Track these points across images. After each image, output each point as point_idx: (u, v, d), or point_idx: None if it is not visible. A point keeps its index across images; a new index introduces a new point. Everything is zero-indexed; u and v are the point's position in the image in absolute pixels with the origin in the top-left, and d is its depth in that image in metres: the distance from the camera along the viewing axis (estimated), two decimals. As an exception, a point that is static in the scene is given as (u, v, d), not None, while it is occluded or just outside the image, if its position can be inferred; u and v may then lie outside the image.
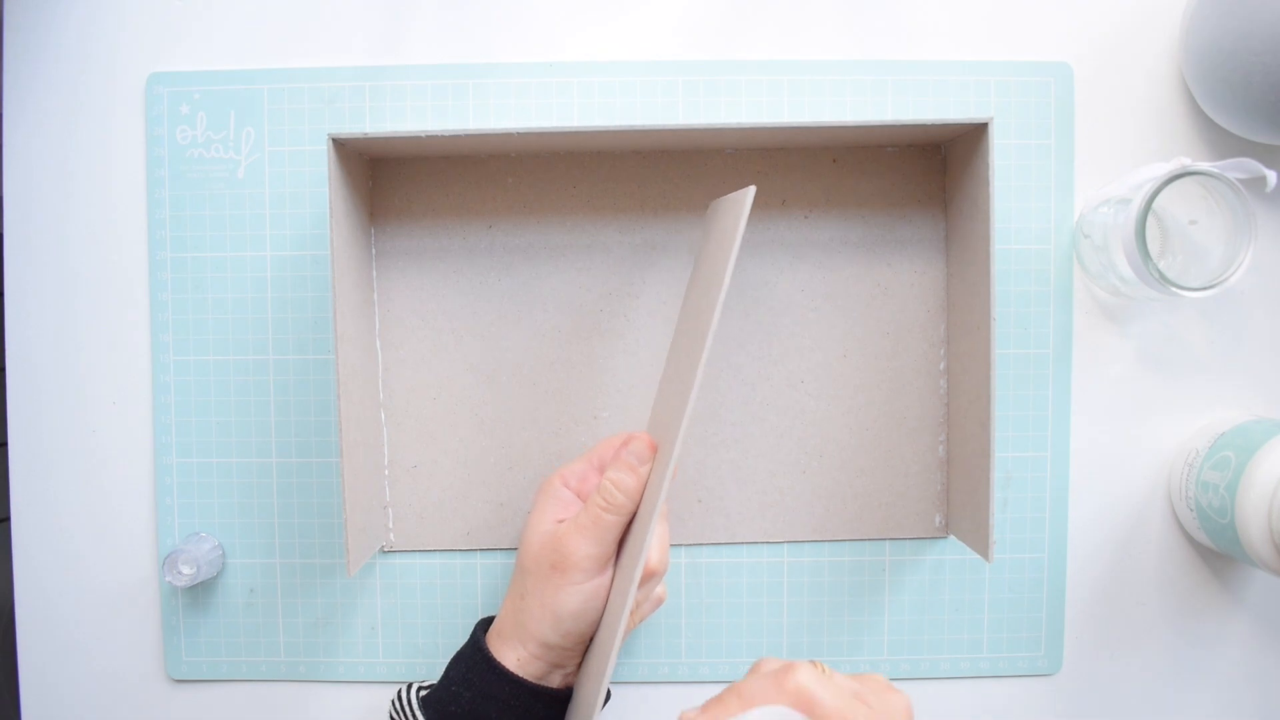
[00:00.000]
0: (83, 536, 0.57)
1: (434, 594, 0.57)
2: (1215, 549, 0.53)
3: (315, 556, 0.56)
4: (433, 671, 0.56)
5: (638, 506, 0.45)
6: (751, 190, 0.43)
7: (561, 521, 0.46)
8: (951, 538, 0.56)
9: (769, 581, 0.56)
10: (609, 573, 0.45)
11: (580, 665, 0.48)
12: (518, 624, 0.46)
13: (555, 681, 0.46)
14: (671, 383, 0.49)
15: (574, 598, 0.44)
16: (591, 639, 0.46)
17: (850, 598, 0.56)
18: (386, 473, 0.56)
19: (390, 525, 0.56)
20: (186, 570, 0.53)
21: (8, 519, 0.57)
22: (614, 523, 0.45)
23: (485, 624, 0.49)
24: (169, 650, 0.57)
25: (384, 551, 0.57)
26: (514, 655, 0.46)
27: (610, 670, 0.42)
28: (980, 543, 0.50)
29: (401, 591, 0.57)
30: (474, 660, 0.46)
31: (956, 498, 0.54)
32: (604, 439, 0.50)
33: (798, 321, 0.56)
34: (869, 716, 0.33)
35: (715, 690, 0.59)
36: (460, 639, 0.57)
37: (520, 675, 0.45)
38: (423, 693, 0.48)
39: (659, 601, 0.50)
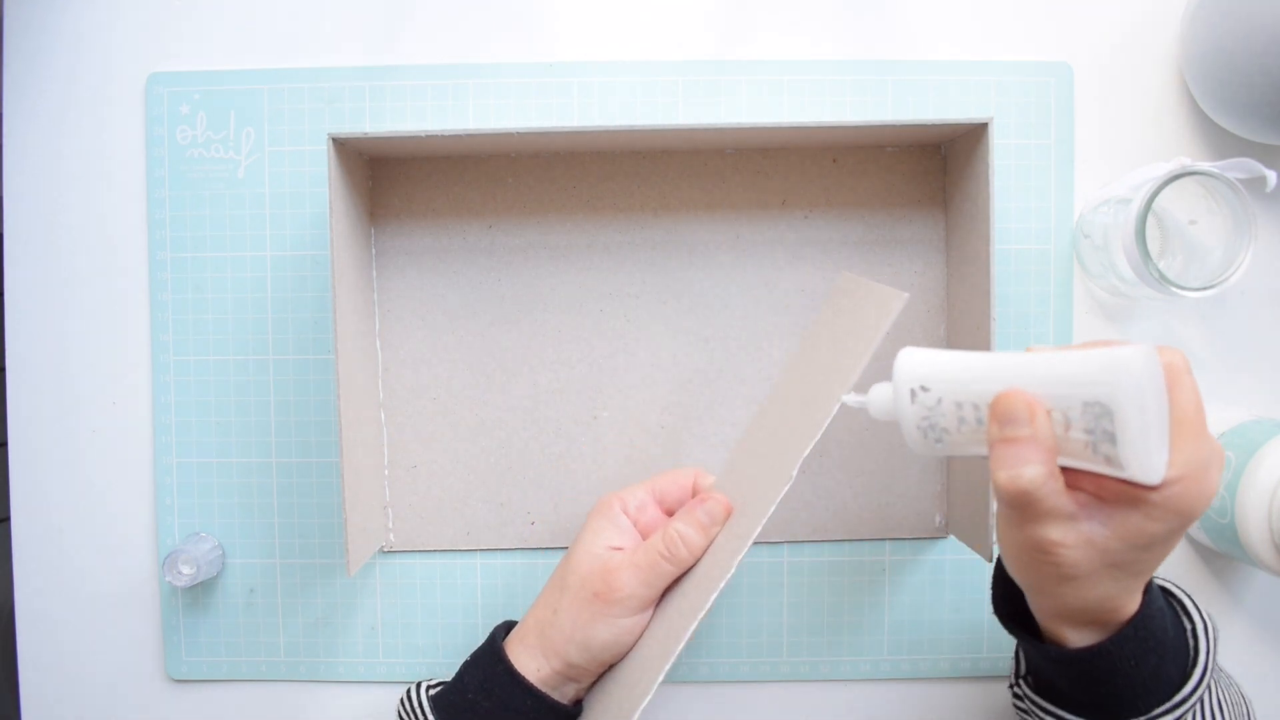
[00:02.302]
0: (83, 536, 0.57)
1: (434, 594, 0.57)
2: (1215, 549, 0.53)
3: (315, 556, 0.56)
4: (432, 671, 0.56)
5: (697, 561, 0.45)
6: (904, 298, 0.41)
7: (616, 549, 0.46)
8: (951, 538, 0.56)
9: (769, 581, 0.56)
10: (649, 614, 0.45)
11: (593, 685, 0.47)
12: (543, 636, 0.46)
13: (568, 694, 0.46)
14: (761, 449, 0.47)
15: (609, 630, 0.44)
16: (612, 664, 0.46)
17: (850, 598, 0.56)
18: (386, 473, 0.56)
19: (390, 525, 0.56)
20: (186, 570, 0.53)
21: (7, 519, 0.57)
22: (669, 572, 0.45)
23: (505, 628, 0.48)
24: (169, 650, 0.57)
25: (384, 551, 0.56)
26: (533, 665, 0.45)
27: (637, 716, 0.41)
28: (980, 543, 0.50)
29: (401, 591, 0.57)
30: (494, 669, 0.46)
31: (956, 498, 0.54)
32: (666, 471, 0.49)
33: (798, 321, 0.55)
34: (1208, 431, 0.34)
35: (717, 690, 0.59)
36: (460, 638, 0.56)
37: (542, 690, 0.45)
38: (432, 691, 0.48)
39: None
